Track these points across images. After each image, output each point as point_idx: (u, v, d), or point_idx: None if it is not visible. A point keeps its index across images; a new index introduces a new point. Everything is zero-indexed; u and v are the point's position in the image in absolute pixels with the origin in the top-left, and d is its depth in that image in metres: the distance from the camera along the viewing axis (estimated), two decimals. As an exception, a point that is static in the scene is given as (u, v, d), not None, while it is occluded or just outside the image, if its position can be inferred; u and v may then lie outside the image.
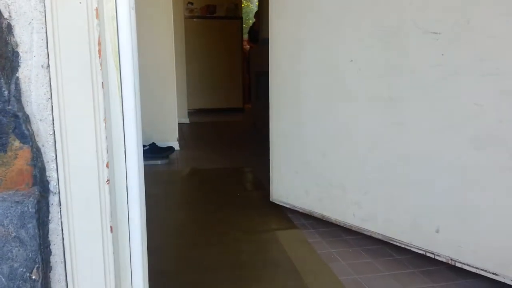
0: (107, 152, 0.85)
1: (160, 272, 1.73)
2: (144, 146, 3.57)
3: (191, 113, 5.44)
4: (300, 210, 2.25)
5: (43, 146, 0.82)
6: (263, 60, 4.51)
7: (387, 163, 1.83)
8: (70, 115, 0.82)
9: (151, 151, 3.48)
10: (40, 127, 0.82)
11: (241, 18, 6.31)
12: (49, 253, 0.85)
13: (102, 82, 0.83)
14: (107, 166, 0.85)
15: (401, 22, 1.72)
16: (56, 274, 0.86)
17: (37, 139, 0.81)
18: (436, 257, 1.72)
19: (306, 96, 2.11)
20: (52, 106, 0.82)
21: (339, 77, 1.96)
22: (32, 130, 0.80)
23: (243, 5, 7.56)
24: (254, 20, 6.72)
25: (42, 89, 0.81)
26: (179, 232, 2.14)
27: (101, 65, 0.82)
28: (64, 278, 0.87)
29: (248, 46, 6.86)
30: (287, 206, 2.31)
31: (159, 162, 3.39)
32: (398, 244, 1.85)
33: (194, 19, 5.85)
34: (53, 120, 0.82)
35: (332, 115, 2.01)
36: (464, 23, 1.54)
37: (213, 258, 1.85)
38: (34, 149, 0.80)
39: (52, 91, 0.81)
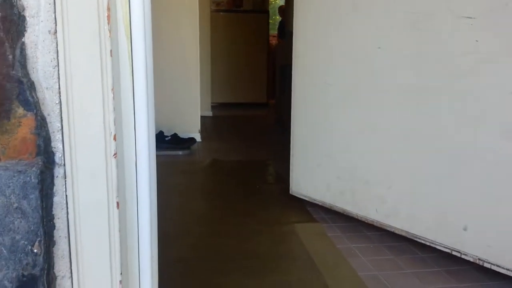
0: (114, 124, 0.81)
1: (179, 259, 1.69)
2: (166, 136, 3.56)
3: (215, 106, 5.40)
4: (320, 204, 2.17)
5: (48, 115, 0.79)
6: (288, 53, 4.44)
7: (413, 156, 1.74)
8: (77, 84, 0.78)
9: (173, 142, 3.46)
10: (46, 96, 0.78)
11: (268, 12, 6.23)
12: (52, 227, 0.82)
13: (111, 50, 0.79)
14: (114, 138, 0.81)
15: (433, 5, 1.62)
16: (60, 250, 0.83)
17: (42, 107, 0.78)
18: (463, 256, 1.62)
19: (330, 86, 2.03)
20: (58, 74, 0.78)
21: (366, 66, 1.88)
22: (37, 97, 0.77)
23: (270, 0, 7.49)
24: (278, 15, 6.65)
25: (49, 55, 0.78)
26: (199, 220, 2.11)
27: (110, 31, 0.78)
28: (68, 254, 0.84)
29: (274, 42, 6.79)
30: (307, 199, 2.24)
31: (180, 152, 3.37)
32: (422, 242, 1.75)
33: (221, 13, 5.81)
34: (59, 88, 0.78)
35: (358, 106, 1.93)
36: (501, 7, 1.44)
37: (231, 247, 1.80)
38: (39, 118, 0.77)
39: (59, 58, 0.78)
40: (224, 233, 1.94)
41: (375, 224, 1.92)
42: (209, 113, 5.09)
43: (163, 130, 3.62)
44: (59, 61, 0.78)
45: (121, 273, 0.85)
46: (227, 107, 5.71)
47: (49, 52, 0.78)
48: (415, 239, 1.78)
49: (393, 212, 1.83)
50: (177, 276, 1.57)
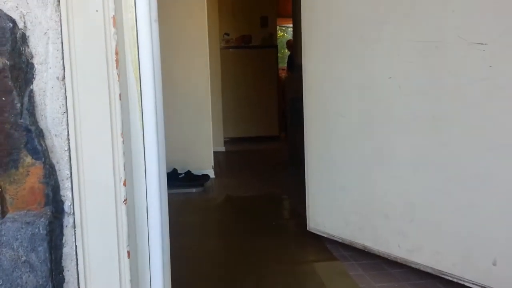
0: (124, 169, 0.78)
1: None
2: (179, 174, 3.54)
3: (227, 141, 5.42)
4: (340, 240, 2.10)
5: (57, 163, 0.77)
6: (298, 86, 4.46)
7: (433, 187, 1.68)
8: (86, 129, 0.77)
9: (186, 179, 3.44)
10: (55, 143, 0.77)
11: (276, 46, 6.33)
12: (62, 280, 0.78)
13: (120, 94, 0.77)
14: (124, 184, 0.78)
15: (442, 32, 1.61)
16: (69, 304, 0.79)
17: (51, 155, 0.76)
18: (495, 293, 1.52)
19: (343, 117, 2.01)
20: (67, 120, 0.77)
21: (378, 96, 1.85)
22: (45, 145, 0.76)
23: (278, 35, 7.64)
24: (286, 49, 6.74)
25: (58, 102, 0.77)
26: (213, 261, 2.04)
27: (118, 76, 0.77)
28: (78, 308, 0.80)
29: (283, 75, 6.86)
30: (325, 235, 2.17)
31: (194, 190, 3.33)
32: (449, 278, 1.66)
33: (230, 49, 5.92)
34: (68, 135, 0.77)
35: (371, 136, 1.89)
36: (516, 32, 1.42)
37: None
38: (47, 166, 0.75)
39: (67, 104, 0.77)
40: (241, 274, 1.87)
41: (398, 260, 1.83)
42: (221, 148, 5.09)
43: (177, 168, 3.61)
44: (68, 107, 0.76)
45: (133, 327, 0.81)
46: (239, 142, 5.72)
47: (58, 99, 0.77)
48: (441, 275, 1.68)
49: (417, 247, 1.75)
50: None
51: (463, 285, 1.62)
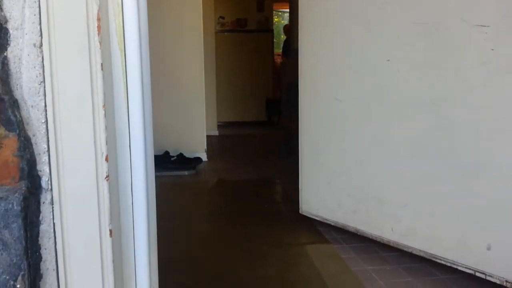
0: (106, 144, 0.73)
1: (183, 285, 1.60)
2: (171, 156, 3.49)
3: (221, 125, 5.35)
4: (332, 224, 2.07)
5: (34, 135, 0.72)
6: (293, 71, 4.39)
7: (430, 173, 1.64)
8: (64, 100, 0.71)
9: (179, 162, 3.39)
10: (31, 114, 0.71)
11: (272, 31, 6.23)
12: (39, 258, 0.73)
13: (102, 63, 0.72)
14: (106, 159, 0.73)
15: (443, 14, 1.56)
16: (47, 284, 0.75)
17: (26, 127, 0.71)
18: (488, 278, 1.51)
19: (339, 101, 1.96)
20: (45, 90, 0.71)
21: (375, 79, 1.80)
22: (21, 116, 0.70)
23: (274, 20, 7.51)
24: (283, 34, 6.64)
25: (34, 71, 0.71)
26: (205, 243, 2.01)
27: (100, 43, 0.72)
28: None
29: (279, 60, 6.78)
30: (318, 219, 2.14)
31: (186, 172, 3.29)
32: (442, 262, 1.64)
33: (225, 33, 5.82)
34: (45, 106, 0.71)
35: (367, 120, 1.84)
36: (518, 12, 1.37)
37: (238, 272, 1.70)
38: (22, 138, 0.69)
39: (45, 73, 0.71)
40: (231, 256, 1.84)
41: (391, 244, 1.81)
42: (215, 132, 5.03)
43: (169, 150, 3.55)
44: (45, 77, 0.71)
45: (115, 309, 0.77)
46: (233, 126, 5.65)
47: (35, 67, 0.71)
48: (435, 259, 1.66)
49: (410, 231, 1.72)
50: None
51: (456, 269, 1.60)
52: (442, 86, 1.59)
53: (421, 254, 1.70)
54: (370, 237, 1.89)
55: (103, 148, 0.73)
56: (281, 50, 6.59)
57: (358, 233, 1.94)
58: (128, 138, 0.78)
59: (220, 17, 5.92)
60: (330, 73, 1.99)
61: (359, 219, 1.92)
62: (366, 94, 1.83)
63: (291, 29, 5.06)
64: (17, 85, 0.70)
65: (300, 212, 2.24)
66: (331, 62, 1.99)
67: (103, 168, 0.73)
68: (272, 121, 6.04)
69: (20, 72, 0.70)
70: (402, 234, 1.75)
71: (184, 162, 3.39)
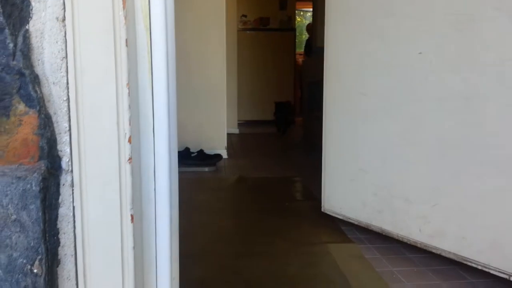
0: (129, 125, 0.69)
1: (201, 279, 1.55)
2: (192, 152, 3.47)
3: (241, 124, 5.32)
4: (356, 223, 2.00)
5: (55, 113, 0.68)
6: (316, 70, 4.32)
7: (461, 170, 1.56)
8: (87, 78, 0.68)
9: (199, 158, 3.36)
10: (53, 91, 0.68)
11: (294, 30, 6.17)
12: (57, 243, 0.70)
13: (126, 39, 0.68)
14: (129, 141, 0.69)
15: (478, 4, 1.47)
16: (65, 270, 0.71)
17: (47, 104, 0.67)
18: (524, 284, 1.41)
19: (365, 96, 1.89)
20: (67, 66, 0.68)
21: (405, 73, 1.72)
22: (41, 93, 0.67)
23: (297, 19, 7.45)
24: (306, 33, 6.57)
25: (56, 46, 0.67)
26: (224, 239, 1.96)
27: (125, 18, 0.68)
28: (75, 275, 0.71)
29: (300, 60, 6.71)
30: (340, 217, 2.07)
31: (206, 169, 3.26)
32: (473, 265, 1.55)
33: (247, 31, 5.78)
34: (67, 83, 0.68)
35: (396, 116, 1.77)
36: None
37: (258, 269, 1.65)
38: (43, 116, 0.66)
39: (67, 48, 0.67)
40: (251, 253, 1.79)
41: (418, 245, 1.73)
42: (235, 130, 5.00)
43: (189, 147, 3.53)
44: (68, 52, 0.67)
45: (135, 299, 0.72)
46: (253, 125, 5.61)
47: (57, 42, 0.67)
48: (465, 262, 1.58)
49: (439, 232, 1.64)
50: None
51: (488, 272, 1.51)
52: (476, 80, 1.50)
53: (451, 256, 1.61)
54: (396, 238, 1.81)
55: (126, 129, 0.69)
56: (303, 50, 6.53)
57: (383, 233, 1.86)
58: (152, 119, 0.74)
59: (243, 15, 5.89)
60: (357, 68, 1.93)
61: (384, 219, 1.85)
62: (395, 88, 1.76)
63: (314, 28, 4.99)
64: (39, 60, 0.67)
65: (322, 210, 2.17)
66: (358, 57, 1.92)
67: (126, 150, 0.69)
68: (281, 130, 5.09)
69: (42, 47, 0.67)
70: (430, 235, 1.67)
71: (204, 158, 3.36)
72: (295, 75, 6.20)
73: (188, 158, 3.36)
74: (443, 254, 1.64)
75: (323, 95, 2.13)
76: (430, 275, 1.60)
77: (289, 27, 6.07)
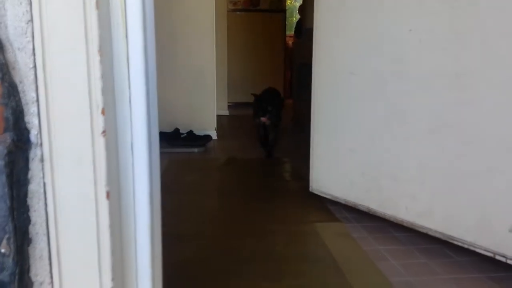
0: (102, 95, 0.63)
1: (190, 259, 1.52)
2: (181, 133, 3.41)
3: (231, 106, 5.25)
4: (343, 202, 1.97)
5: (21, 82, 0.62)
6: (305, 52, 4.24)
7: (449, 149, 1.53)
8: (55, 43, 0.62)
9: (188, 139, 3.31)
10: (18, 58, 0.62)
11: (285, 11, 6.05)
12: (27, 221, 0.65)
13: (96, 1, 0.62)
14: (102, 112, 0.64)
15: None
16: (37, 249, 0.66)
17: (12, 72, 0.61)
18: (509, 261, 1.40)
19: (354, 76, 1.84)
20: (33, 30, 0.61)
21: (394, 51, 1.67)
22: (5, 60, 0.60)
23: (288, 2, 7.31)
24: (298, 15, 6.46)
25: (20, 7, 0.61)
26: (213, 219, 1.93)
27: (96, -22, 0.61)
28: (48, 254, 0.67)
29: (291, 42, 6.62)
30: (328, 197, 2.05)
31: (195, 150, 3.20)
32: (459, 244, 1.54)
33: (237, 12, 5.66)
34: (34, 49, 0.62)
35: (385, 95, 1.73)
36: (557, -25, 1.23)
37: (247, 248, 1.62)
38: (6, 84, 0.60)
39: (32, 10, 0.61)
40: (239, 232, 1.76)
41: (404, 224, 1.71)
42: (225, 112, 4.94)
43: (179, 128, 3.47)
44: (33, 15, 0.61)
45: (112, 279, 0.68)
46: (243, 107, 5.54)
47: (21, 3, 0.61)
48: (451, 241, 1.56)
49: (427, 211, 1.62)
50: (187, 278, 1.39)
51: (474, 251, 1.50)
52: (467, 58, 1.46)
53: (437, 235, 1.60)
54: (383, 217, 1.79)
55: (98, 100, 0.63)
56: (293, 32, 6.43)
57: (370, 212, 1.84)
58: (128, 89, 0.68)
59: (233, -4, 5.76)
60: (346, 47, 1.87)
61: (371, 198, 1.82)
62: (384, 67, 1.71)
63: (305, 9, 4.90)
64: (1, 23, 0.60)
65: (310, 190, 2.14)
66: (347, 36, 1.86)
67: (99, 122, 0.64)
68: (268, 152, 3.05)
69: (4, 9, 0.60)
70: (417, 214, 1.65)
71: (193, 139, 3.30)
72: (285, 57, 6.12)
73: (178, 139, 3.30)
74: (430, 233, 1.62)
75: (312, 75, 2.07)
76: (416, 253, 1.59)
77: (280, 8, 5.96)
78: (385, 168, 1.75)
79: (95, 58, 0.62)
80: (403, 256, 1.57)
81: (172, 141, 3.25)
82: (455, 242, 1.55)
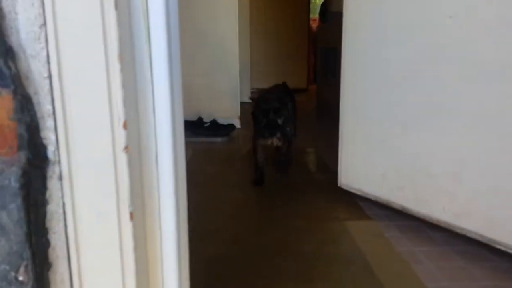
0: (124, 106, 0.56)
1: (215, 257, 1.47)
2: (205, 122, 3.35)
3: (255, 93, 5.17)
4: (374, 199, 1.88)
5: (35, 94, 0.56)
6: (331, 36, 4.09)
7: (492, 145, 1.41)
8: (71, 49, 0.54)
9: (212, 128, 3.25)
10: (32, 66, 0.55)
11: (309, -6, 5.88)
12: (46, 245, 0.59)
13: (116, 1, 0.54)
14: (124, 126, 0.57)
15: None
16: (58, 273, 0.61)
17: (25, 83, 0.55)
18: (558, 268, 1.29)
19: (388, 62, 1.72)
20: (46, 36, 0.54)
21: (433, 38, 1.55)
22: (16, 69, 0.54)
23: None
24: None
25: (33, 10, 0.54)
26: (237, 215, 1.87)
27: (115, -26, 0.54)
28: (69, 278, 0.61)
29: (315, 25, 6.43)
30: (358, 193, 1.95)
31: (219, 139, 3.15)
32: (501, 248, 1.43)
33: (260, -4, 5.52)
34: (48, 56, 0.55)
35: (420, 85, 1.61)
36: None
37: (272, 246, 1.55)
38: (19, 96, 0.54)
39: (45, 13, 0.54)
40: (265, 229, 1.70)
41: (441, 224, 1.61)
42: (248, 99, 4.86)
43: (202, 116, 3.41)
44: (46, 18, 0.54)
45: (138, 305, 0.62)
46: (266, 93, 5.47)
47: (33, 5, 0.54)
48: (492, 244, 1.46)
49: (465, 211, 1.51)
50: (211, 277, 1.34)
51: (519, 256, 1.39)
52: (514, 47, 1.33)
53: (477, 237, 1.49)
54: (418, 216, 1.69)
55: (120, 112, 0.56)
56: (317, 15, 6.24)
57: (404, 211, 1.74)
58: (152, 98, 0.61)
59: (255, -21, 5.60)
60: (378, 32, 1.75)
61: (405, 196, 1.72)
62: (421, 54, 1.59)
63: (329, -8, 4.71)
64: (12, 28, 0.54)
65: (338, 185, 2.05)
66: (379, 20, 1.74)
67: (121, 137, 0.57)
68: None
69: (15, 12, 0.54)
70: (455, 214, 1.54)
71: (217, 128, 3.24)
72: (309, 42, 5.96)
73: (201, 128, 3.25)
74: (469, 234, 1.52)
75: (341, 61, 1.96)
76: (453, 256, 1.49)
77: (303, -9, 5.78)
78: (420, 163, 1.64)
79: (115, 66, 0.55)
80: (440, 258, 1.47)
81: (196, 130, 3.19)
82: (496, 246, 1.44)
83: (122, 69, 0.55)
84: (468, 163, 1.49)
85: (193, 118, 3.40)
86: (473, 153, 1.46)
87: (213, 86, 3.54)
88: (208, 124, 3.30)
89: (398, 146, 1.72)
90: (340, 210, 1.89)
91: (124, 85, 0.56)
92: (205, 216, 1.80)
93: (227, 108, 3.59)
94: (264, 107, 1.98)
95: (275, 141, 2.05)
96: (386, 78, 1.73)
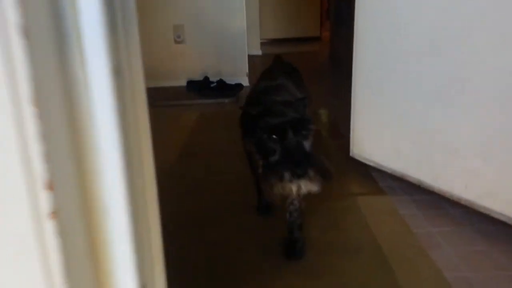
0: (46, 162, 0.40)
1: (216, 242, 1.36)
2: (211, 82, 3.16)
3: (264, 43, 4.86)
4: (389, 171, 1.72)
5: None
6: (344, -21, 3.71)
7: (526, 121, 1.21)
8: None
9: (218, 88, 3.06)
10: None
11: None
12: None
13: (23, 25, 0.36)
14: (49, 187, 0.41)
15: None
16: None
17: None
18: None
19: (411, 26, 1.48)
20: None
21: (455, 6, 1.30)
22: None
23: None
24: None
25: None
26: (241, 191, 1.74)
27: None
28: None
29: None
30: (371, 164, 1.79)
31: (226, 100, 2.97)
32: (530, 231, 1.28)
33: None
34: None
35: (446, 55, 1.38)
36: None
37: (276, 227, 1.43)
38: None
39: None
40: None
41: (462, 202, 1.45)
42: (258, 51, 4.58)
43: (208, 75, 3.21)
44: None
45: None
46: (278, 44, 5.14)
47: None
48: (519, 226, 1.30)
49: (490, 191, 1.34)
50: (213, 261, 1.24)
51: (549, 242, 1.24)
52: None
53: (502, 218, 1.34)
54: (437, 192, 1.53)
55: (39, 170, 0.41)
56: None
57: (422, 186, 1.58)
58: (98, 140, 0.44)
59: None
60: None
61: (423, 170, 1.55)
62: (447, 21, 1.34)
63: None
64: None
65: (350, 154, 1.89)
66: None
67: (44, 200, 0.42)
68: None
69: None
70: (478, 194, 1.38)
71: (224, 89, 3.05)
72: (321, -15, 5.51)
73: (207, 89, 3.07)
74: (492, 214, 1.36)
75: (355, 15, 1.71)
76: (477, 238, 1.34)
77: None
78: (440, 139, 1.45)
79: (27, 112, 0.39)
80: (461, 241, 1.33)
81: (202, 91, 3.02)
82: (525, 229, 1.29)
83: (40, 116, 0.38)
84: (495, 141, 1.29)
85: (200, 77, 3.21)
86: (502, 131, 1.26)
87: (219, 41, 3.28)
88: (215, 84, 3.11)
89: (418, 119, 1.52)
90: (352, 182, 1.74)
91: (44, 137, 0.39)
92: (208, 189, 1.68)
93: (234, 64, 3.36)
94: (273, 122, 1.03)
95: (304, 186, 1.00)
96: (408, 44, 1.50)
